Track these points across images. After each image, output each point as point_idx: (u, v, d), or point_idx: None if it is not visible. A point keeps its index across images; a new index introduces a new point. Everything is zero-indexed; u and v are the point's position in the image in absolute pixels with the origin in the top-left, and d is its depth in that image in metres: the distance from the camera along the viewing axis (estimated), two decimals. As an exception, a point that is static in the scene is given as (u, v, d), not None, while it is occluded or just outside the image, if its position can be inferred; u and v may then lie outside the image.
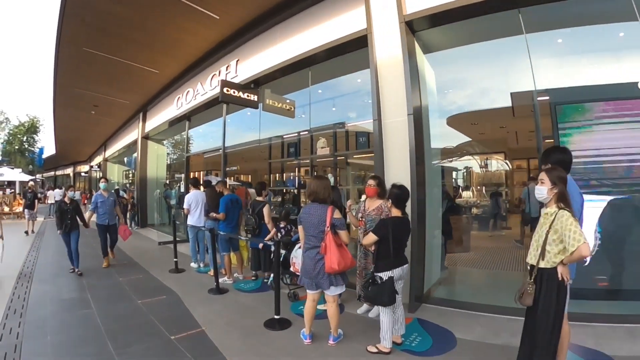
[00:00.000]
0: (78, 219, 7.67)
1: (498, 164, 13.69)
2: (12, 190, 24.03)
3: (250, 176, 23.51)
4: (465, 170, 11.80)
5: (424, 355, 3.89)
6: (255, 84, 8.58)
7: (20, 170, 29.56)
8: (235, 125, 11.07)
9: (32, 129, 43.34)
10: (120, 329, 4.73)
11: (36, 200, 14.09)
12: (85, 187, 35.32)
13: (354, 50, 6.51)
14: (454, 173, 11.32)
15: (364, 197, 5.34)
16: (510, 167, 13.80)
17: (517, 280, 6.17)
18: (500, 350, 3.90)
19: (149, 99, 14.22)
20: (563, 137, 5.09)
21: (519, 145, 12.12)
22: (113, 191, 10.21)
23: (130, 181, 22.64)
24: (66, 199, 7.60)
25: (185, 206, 8.00)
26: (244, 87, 8.29)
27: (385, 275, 3.78)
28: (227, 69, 9.32)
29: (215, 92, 9.46)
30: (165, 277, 7.37)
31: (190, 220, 8.02)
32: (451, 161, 8.83)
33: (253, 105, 8.27)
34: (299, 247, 5.03)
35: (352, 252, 4.41)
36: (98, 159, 28.44)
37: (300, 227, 4.13)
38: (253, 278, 7.09)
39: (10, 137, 42.52)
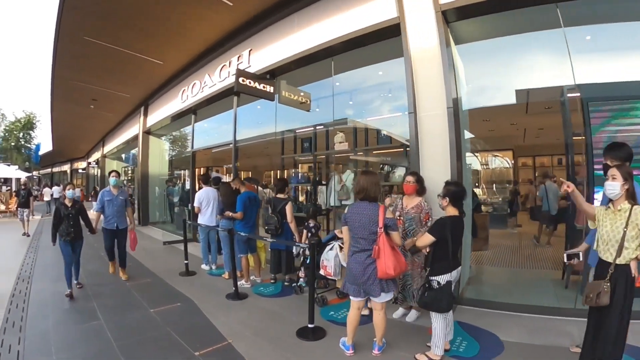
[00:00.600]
0: (82, 224, 6.21)
1: (500, 162, 13.29)
2: (8, 188, 23.19)
3: (250, 173, 23.08)
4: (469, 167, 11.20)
5: (475, 360, 3.66)
6: (270, 75, 8.00)
7: (16, 167, 28.63)
8: (244, 119, 10.36)
9: (28, 125, 42.25)
10: (135, 344, 4.14)
11: (31, 198, 12.98)
12: (82, 183, 34.54)
13: (380, 40, 6.12)
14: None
15: (388, 200, 4.90)
16: (511, 164, 13.45)
17: (544, 279, 6.29)
18: (548, 351, 3.76)
19: (151, 92, 13.52)
20: (596, 134, 4.92)
21: (524, 142, 11.93)
22: (124, 189, 8.23)
23: (129, 178, 21.90)
24: (66, 201, 6.00)
25: (195, 204, 7.44)
26: (260, 77, 7.70)
27: (442, 279, 3.51)
28: (238, 59, 8.70)
29: (225, 84, 9.08)
30: (176, 281, 6.76)
31: (202, 220, 7.44)
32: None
33: (269, 96, 7.71)
34: (330, 249, 4.92)
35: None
36: (96, 156, 27.63)
37: (345, 228, 3.74)
38: (272, 281, 6.58)
39: (6, 134, 41.42)
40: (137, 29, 8.47)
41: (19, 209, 12.65)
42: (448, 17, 5.18)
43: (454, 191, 3.70)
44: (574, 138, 5.32)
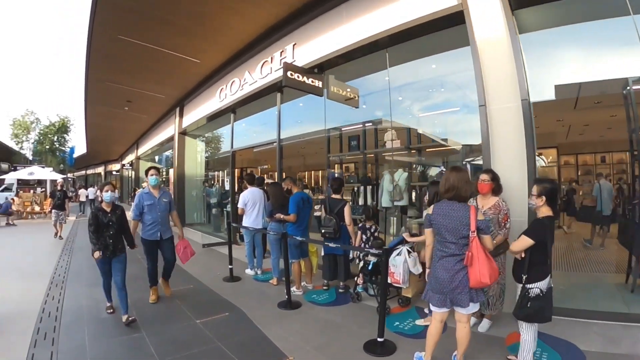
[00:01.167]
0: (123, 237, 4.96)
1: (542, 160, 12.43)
2: (43, 190, 23.22)
3: (283, 173, 22.50)
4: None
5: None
6: (318, 69, 7.44)
7: (51, 169, 28.80)
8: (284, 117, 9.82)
9: (62, 128, 42.97)
10: (185, 362, 3.54)
11: (67, 200, 12.41)
12: (116, 184, 34.65)
13: (438, 30, 5.67)
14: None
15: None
16: (546, 162, 12.52)
17: (606, 283, 5.89)
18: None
19: (186, 92, 13.06)
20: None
21: (567, 140, 11.13)
22: (167, 189, 6.79)
23: (164, 179, 21.63)
24: (104, 205, 4.77)
25: (240, 205, 6.92)
26: (308, 71, 7.12)
27: (543, 286, 3.16)
28: (281, 54, 8.19)
29: (267, 80, 8.63)
30: (221, 287, 6.20)
31: (247, 222, 6.87)
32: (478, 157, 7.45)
33: (318, 92, 7.13)
34: (398, 254, 4.66)
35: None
36: (130, 157, 27.60)
37: (429, 231, 3.37)
38: (325, 288, 6.06)
39: (41, 137, 42.09)
40: (173, 26, 7.99)
41: (54, 210, 11.90)
42: (513, 5, 4.76)
43: (550, 189, 3.31)
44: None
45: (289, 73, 6.66)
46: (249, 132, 11.42)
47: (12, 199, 17.45)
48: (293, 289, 5.76)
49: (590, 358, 3.51)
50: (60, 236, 11.63)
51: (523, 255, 3.21)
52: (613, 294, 5.28)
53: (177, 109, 14.47)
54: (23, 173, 23.28)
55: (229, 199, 11.52)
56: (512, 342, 3.82)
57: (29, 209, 18.39)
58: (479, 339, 3.93)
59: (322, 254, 6.17)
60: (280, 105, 8.71)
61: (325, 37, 7.15)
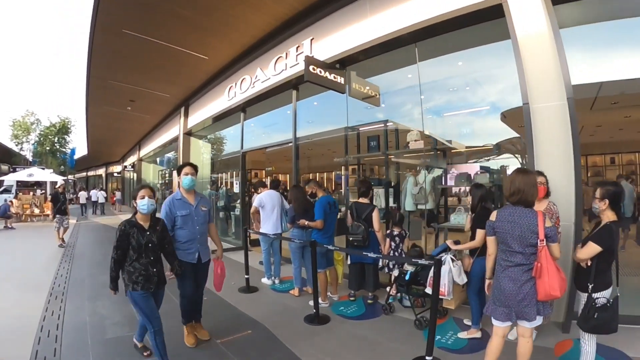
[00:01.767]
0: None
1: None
2: (42, 192, 22.53)
3: (288, 175, 21.93)
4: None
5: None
6: (340, 65, 6.91)
7: (51, 170, 28.10)
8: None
9: (63, 129, 42.21)
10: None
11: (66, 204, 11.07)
12: (117, 187, 33.98)
13: (472, 24, 5.29)
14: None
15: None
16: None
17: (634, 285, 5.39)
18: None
19: (192, 91, 12.44)
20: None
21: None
22: (202, 194, 4.64)
23: (166, 181, 20.97)
24: (139, 219, 3.47)
25: (255, 204, 6.38)
26: (330, 66, 6.56)
27: (610, 295, 3.01)
28: (297, 50, 7.62)
29: (281, 77, 8.08)
30: (238, 300, 5.58)
31: (266, 228, 6.24)
32: (489, 159, 7.39)
33: (340, 88, 6.59)
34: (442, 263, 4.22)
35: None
36: (132, 159, 26.92)
37: (491, 239, 3.11)
38: (351, 298, 5.52)
39: (41, 138, 41.38)
40: (181, 19, 7.43)
41: (57, 216, 10.50)
42: None
43: (614, 192, 3.09)
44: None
45: (310, 67, 6.12)
46: (260, 132, 10.78)
47: (11, 202, 16.79)
48: (319, 300, 5.18)
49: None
50: (63, 240, 10.73)
51: (589, 263, 3.01)
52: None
53: (182, 109, 13.86)
54: (22, 174, 22.55)
55: (238, 202, 10.95)
56: (562, 353, 3.67)
57: (28, 212, 17.73)
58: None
59: (349, 262, 5.61)
60: (296, 103, 8.17)
61: (347, 32, 6.64)
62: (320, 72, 6.25)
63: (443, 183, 6.89)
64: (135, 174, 25.97)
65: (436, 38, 5.73)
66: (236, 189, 11.05)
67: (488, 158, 7.52)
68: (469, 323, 4.29)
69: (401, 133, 7.58)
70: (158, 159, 22.59)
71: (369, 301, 5.35)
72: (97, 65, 10.04)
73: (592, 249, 2.95)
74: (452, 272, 4.12)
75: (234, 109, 10.28)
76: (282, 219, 6.36)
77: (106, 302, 5.30)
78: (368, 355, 3.76)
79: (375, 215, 5.12)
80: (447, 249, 4.38)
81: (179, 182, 4.10)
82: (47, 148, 41.44)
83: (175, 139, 15.06)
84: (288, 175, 14.94)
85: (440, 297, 4.13)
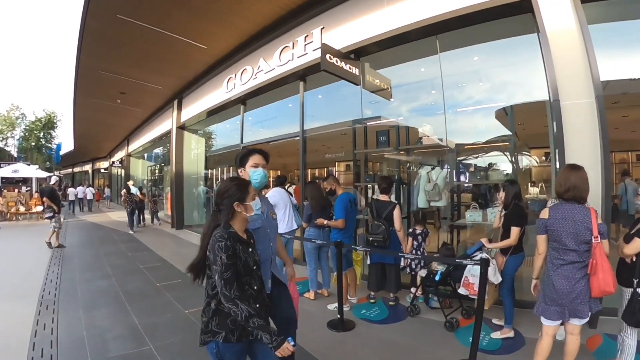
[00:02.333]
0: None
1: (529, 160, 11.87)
2: (28, 188, 21.56)
3: (279, 172, 21.41)
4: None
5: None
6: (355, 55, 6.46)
7: (36, 166, 27.08)
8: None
9: (49, 124, 40.99)
10: None
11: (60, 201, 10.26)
12: (104, 183, 33.02)
13: (494, 18, 5.10)
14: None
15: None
16: (538, 162, 12.07)
17: None
18: None
19: (187, 82, 11.76)
20: None
21: None
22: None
23: (155, 178, 20.21)
24: (237, 228, 2.14)
25: None
26: (345, 56, 6.06)
27: None
28: (305, 40, 7.11)
29: (287, 68, 7.54)
30: (249, 308, 4.94)
31: (279, 228, 5.62)
32: (477, 157, 7.34)
33: (354, 79, 6.10)
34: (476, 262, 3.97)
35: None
36: (120, 155, 25.96)
37: (542, 237, 3.00)
38: (371, 301, 5.16)
39: (26, 133, 40.08)
40: (180, 6, 6.92)
41: (56, 215, 9.41)
42: None
43: None
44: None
45: (327, 56, 5.61)
46: (260, 126, 10.16)
47: (-5, 199, 15.89)
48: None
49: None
50: (59, 243, 9.51)
51: (634, 259, 2.97)
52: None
53: (175, 102, 13.21)
54: (7, 171, 21.54)
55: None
56: (595, 348, 3.66)
57: (13, 210, 16.83)
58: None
59: (368, 262, 5.20)
60: (303, 94, 7.66)
61: (361, 22, 6.22)
62: (337, 61, 5.77)
63: (457, 179, 6.60)
64: (123, 170, 25.07)
65: (455, 32, 5.50)
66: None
67: (477, 155, 7.37)
68: (499, 322, 4.19)
69: (411, 128, 7.18)
70: (146, 155, 21.86)
71: (391, 303, 5.03)
72: (88, 54, 9.38)
73: (638, 243, 2.92)
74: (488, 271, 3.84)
75: (233, 101, 9.68)
76: (294, 217, 5.86)
77: (103, 312, 4.72)
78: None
79: (396, 214, 4.78)
80: (482, 248, 4.21)
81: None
82: (33, 143, 40.34)
83: (167, 134, 14.43)
84: (293, 171, 14.60)
85: (473, 297, 4.02)
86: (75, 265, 7.25)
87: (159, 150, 19.39)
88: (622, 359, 3.08)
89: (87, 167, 41.92)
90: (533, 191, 9.78)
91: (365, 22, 6.16)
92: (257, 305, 2.06)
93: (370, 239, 4.74)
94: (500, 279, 3.97)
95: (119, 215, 12.84)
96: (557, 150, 4.39)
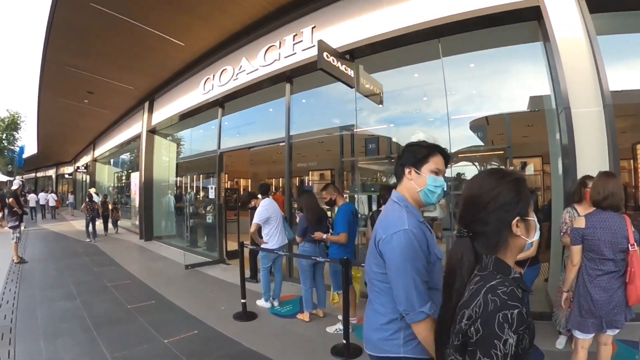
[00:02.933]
0: None
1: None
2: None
3: (249, 181, 20.64)
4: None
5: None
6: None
7: (-2, 170, 25.40)
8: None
9: (12, 125, 38.36)
10: None
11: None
12: (68, 189, 31.29)
13: (500, 24, 4.93)
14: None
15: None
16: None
17: None
18: None
19: (161, 82, 10.93)
20: None
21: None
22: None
23: (122, 185, 19.09)
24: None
25: (257, 220, 5.20)
26: (341, 56, 5.55)
27: None
28: (294, 39, 6.63)
29: (272, 69, 7.02)
30: (238, 331, 4.38)
31: (271, 242, 5.11)
32: (450, 167, 6.64)
33: (350, 81, 5.59)
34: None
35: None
36: (85, 160, 24.46)
37: (577, 248, 2.82)
38: None
39: (-13, 134, 37.53)
40: None
41: (20, 225, 8.38)
42: (590, 8, 4.34)
43: None
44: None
45: (324, 54, 5.08)
46: (239, 130, 9.36)
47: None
48: (339, 326, 4.32)
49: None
50: (19, 258, 8.29)
51: None
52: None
53: (147, 104, 12.34)
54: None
55: (209, 209, 9.72)
56: (611, 355, 3.37)
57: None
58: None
59: None
60: (290, 97, 7.09)
61: (357, 22, 5.89)
62: (334, 61, 5.26)
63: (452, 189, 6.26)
64: (88, 176, 23.61)
65: (452, 37, 5.35)
66: (211, 194, 9.68)
67: (468, 164, 7.15)
68: None
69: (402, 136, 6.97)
70: (112, 160, 20.69)
71: None
72: (55, 47, 8.56)
73: None
74: None
75: (210, 104, 8.97)
76: (285, 230, 5.32)
77: (68, 341, 3.98)
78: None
79: None
80: None
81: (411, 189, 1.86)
82: (-6, 145, 37.68)
83: (136, 138, 13.56)
84: (250, 180, 14.00)
85: None
86: (35, 283, 6.36)
87: (126, 156, 18.36)
88: None
89: (51, 172, 39.83)
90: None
91: (361, 22, 5.81)
92: None
93: None
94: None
95: (83, 224, 11.84)
96: (562, 159, 4.39)
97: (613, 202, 2.76)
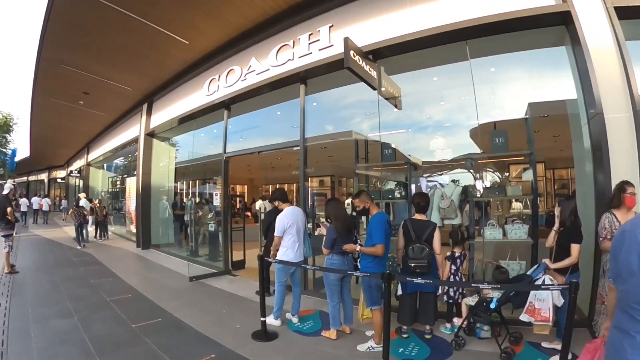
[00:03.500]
0: None
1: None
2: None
3: (246, 187, 20.08)
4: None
5: None
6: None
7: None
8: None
9: (4, 127, 37.35)
10: None
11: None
12: (60, 193, 30.46)
13: (527, 28, 4.79)
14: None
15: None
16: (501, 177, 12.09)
17: None
18: None
19: (161, 83, 10.39)
20: None
21: (558, 155, 10.58)
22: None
23: (115, 190, 18.41)
24: None
25: (279, 233, 4.74)
26: (365, 56, 5.17)
27: None
28: (310, 38, 6.25)
29: (285, 69, 6.60)
30: (260, 353, 3.90)
31: (288, 255, 4.62)
32: (441, 174, 7.11)
33: (373, 83, 5.22)
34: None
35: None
36: (78, 164, 23.67)
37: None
38: (404, 335, 4.34)
39: (-21, 136, 36.47)
40: None
41: (13, 234, 7.88)
42: (619, 15, 4.26)
43: None
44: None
45: (351, 53, 4.68)
46: (247, 133, 8.92)
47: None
48: (371, 343, 4.02)
49: None
50: (11, 267, 7.68)
51: None
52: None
53: (145, 106, 11.81)
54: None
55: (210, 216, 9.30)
56: None
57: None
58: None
59: (398, 292, 4.31)
60: (304, 98, 6.64)
61: (378, 21, 5.59)
62: (359, 60, 4.86)
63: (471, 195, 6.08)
64: (81, 181, 22.83)
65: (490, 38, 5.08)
66: (216, 201, 9.12)
67: (441, 173, 7.13)
68: (549, 346, 3.85)
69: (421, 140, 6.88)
70: (106, 165, 20.08)
71: (427, 336, 4.28)
72: (52, 44, 7.99)
73: None
74: (553, 295, 3.62)
75: (215, 106, 8.44)
76: (307, 244, 4.84)
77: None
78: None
79: (437, 236, 4.14)
80: (546, 269, 3.82)
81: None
82: (-15, 148, 36.62)
83: (133, 141, 13.01)
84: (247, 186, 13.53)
85: (539, 323, 3.65)
86: (27, 297, 5.77)
87: (120, 161, 17.80)
88: None
89: (43, 176, 39.00)
90: (517, 206, 9.41)
91: (383, 22, 5.53)
92: None
93: (412, 264, 3.94)
94: (562, 300, 3.60)
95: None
96: (594, 165, 4.28)
97: None
